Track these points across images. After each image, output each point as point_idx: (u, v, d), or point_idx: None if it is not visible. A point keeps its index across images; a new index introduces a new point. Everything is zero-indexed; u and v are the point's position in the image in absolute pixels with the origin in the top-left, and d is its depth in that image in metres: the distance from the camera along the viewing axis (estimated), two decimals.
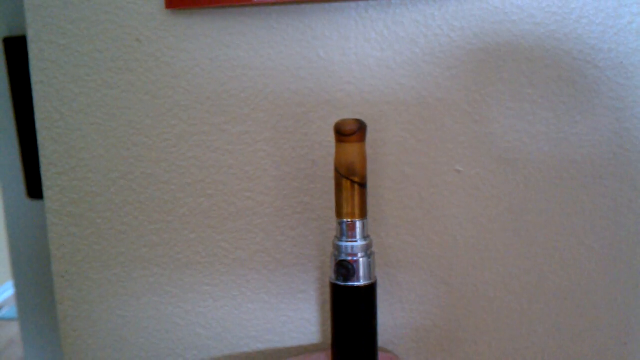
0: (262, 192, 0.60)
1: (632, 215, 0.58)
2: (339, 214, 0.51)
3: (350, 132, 0.49)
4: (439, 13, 0.55)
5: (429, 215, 0.59)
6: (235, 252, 0.61)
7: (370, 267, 0.51)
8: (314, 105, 0.58)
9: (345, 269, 0.51)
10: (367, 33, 0.56)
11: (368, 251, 0.51)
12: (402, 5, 0.55)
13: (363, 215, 0.51)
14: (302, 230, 0.60)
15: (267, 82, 0.58)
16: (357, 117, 0.58)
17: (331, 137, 0.58)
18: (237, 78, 0.58)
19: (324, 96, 0.58)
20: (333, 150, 0.59)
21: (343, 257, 0.51)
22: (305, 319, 0.62)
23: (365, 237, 0.51)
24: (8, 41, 1.52)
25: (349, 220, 0.51)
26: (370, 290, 0.52)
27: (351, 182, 0.50)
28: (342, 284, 0.51)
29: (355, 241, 0.51)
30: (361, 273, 0.51)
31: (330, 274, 0.53)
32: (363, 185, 0.50)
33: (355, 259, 0.51)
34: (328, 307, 0.61)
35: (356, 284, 0.51)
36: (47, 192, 0.61)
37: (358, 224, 0.51)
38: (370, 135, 0.58)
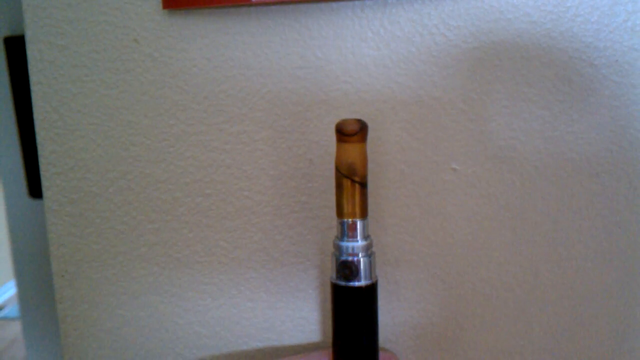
0: (260, 191, 0.60)
1: (629, 213, 0.58)
2: (340, 213, 0.51)
3: (352, 132, 0.49)
4: (435, 12, 0.55)
5: (426, 213, 0.59)
6: (234, 251, 0.62)
7: (371, 267, 0.52)
8: (311, 104, 0.58)
9: (348, 269, 0.51)
10: (363, 32, 0.57)
11: (369, 251, 0.51)
12: (398, 5, 0.56)
13: (364, 215, 0.51)
14: (300, 229, 0.61)
15: (264, 81, 0.58)
16: (354, 116, 0.58)
17: (328, 136, 0.59)
18: (235, 78, 0.58)
19: (321, 95, 0.58)
20: (330, 149, 0.59)
21: (344, 257, 0.51)
22: (303, 318, 0.62)
23: (366, 236, 0.51)
24: (9, 40, 1.52)
25: (350, 220, 0.51)
26: (371, 290, 0.52)
27: (352, 181, 0.50)
28: (344, 284, 0.51)
29: (356, 241, 0.51)
30: (362, 273, 0.51)
31: (330, 274, 0.53)
32: (364, 185, 0.50)
33: (356, 259, 0.51)
34: (327, 305, 0.62)
35: (357, 284, 0.51)
36: (46, 192, 0.62)
37: (359, 224, 0.51)
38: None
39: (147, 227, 0.62)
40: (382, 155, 0.58)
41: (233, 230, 0.61)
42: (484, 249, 0.60)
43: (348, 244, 0.51)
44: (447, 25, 0.56)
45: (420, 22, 0.56)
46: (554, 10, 0.55)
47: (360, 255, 0.51)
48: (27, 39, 0.60)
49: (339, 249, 0.51)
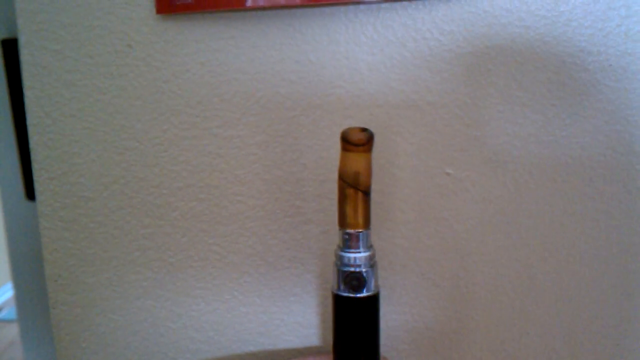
0: (253, 195, 0.60)
1: (623, 216, 0.58)
2: (342, 224, 0.50)
3: (359, 142, 0.48)
4: (428, 17, 0.55)
5: (420, 217, 0.59)
6: (228, 256, 0.61)
7: (375, 277, 0.51)
8: (304, 109, 0.58)
9: (357, 280, 0.50)
10: (357, 37, 0.57)
11: (371, 261, 0.51)
12: (392, 9, 0.56)
13: (367, 225, 0.50)
14: (294, 233, 0.61)
15: (257, 86, 0.58)
16: (348, 121, 0.58)
17: (322, 140, 0.59)
18: (228, 82, 0.58)
19: (315, 100, 0.58)
20: (323, 154, 0.59)
21: (349, 268, 0.50)
22: (298, 322, 0.62)
23: (369, 247, 0.50)
24: (6, 43, 1.52)
25: (353, 230, 0.50)
26: (375, 300, 0.51)
27: (356, 191, 0.49)
28: (351, 295, 0.50)
29: (359, 252, 0.50)
30: (367, 284, 0.50)
31: (332, 284, 0.52)
32: (367, 195, 0.49)
33: (359, 270, 0.50)
34: (321, 310, 0.62)
35: (359, 295, 0.50)
36: (39, 197, 0.62)
37: (362, 235, 0.50)
38: None
39: (141, 232, 0.61)
40: (375, 159, 0.58)
41: (227, 235, 0.61)
42: (479, 254, 0.59)
43: (350, 255, 0.50)
44: (441, 30, 0.56)
45: (414, 26, 0.56)
46: (547, 15, 0.55)
47: (362, 266, 0.50)
48: (21, 43, 0.59)
49: (341, 260, 0.50)
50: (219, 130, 0.59)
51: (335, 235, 0.60)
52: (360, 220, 0.49)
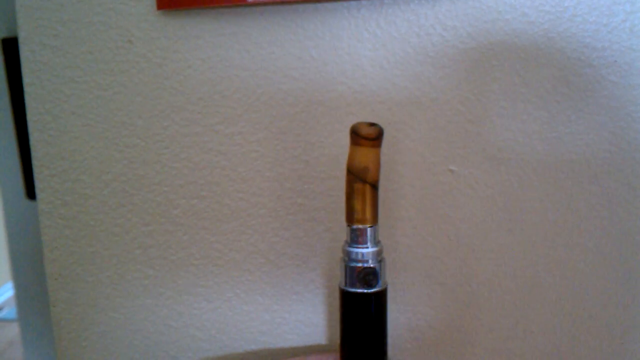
0: (255, 193, 0.60)
1: (628, 214, 0.57)
2: (350, 219, 0.50)
3: (370, 136, 0.47)
4: (431, 12, 0.55)
5: (423, 215, 0.59)
6: (229, 254, 0.61)
7: (383, 272, 0.51)
8: (306, 106, 0.58)
9: (372, 275, 0.50)
10: (359, 33, 0.56)
11: (379, 257, 0.50)
12: (395, 5, 0.55)
13: (375, 220, 0.50)
14: (296, 231, 0.60)
15: (259, 82, 0.58)
16: (351, 117, 0.58)
17: (324, 137, 0.58)
18: (230, 79, 0.58)
19: (317, 96, 0.57)
20: (326, 151, 0.58)
21: (353, 263, 0.49)
22: (299, 321, 0.62)
23: (376, 243, 0.50)
24: (6, 42, 1.51)
25: (361, 226, 0.49)
26: (384, 296, 0.51)
27: (364, 185, 0.48)
28: (363, 291, 0.50)
29: (367, 247, 0.49)
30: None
31: (340, 281, 0.51)
32: (376, 190, 0.49)
33: (366, 265, 0.49)
34: (324, 308, 0.61)
35: (367, 291, 0.50)
36: (39, 195, 0.61)
37: (369, 230, 0.49)
38: None
39: (142, 230, 0.61)
40: None
41: (228, 233, 0.61)
42: (482, 251, 0.59)
43: (358, 250, 0.49)
44: (444, 26, 0.55)
45: (417, 22, 0.55)
46: (552, 11, 0.54)
47: (371, 262, 0.49)
48: (20, 40, 0.59)
49: (349, 255, 0.50)
50: (221, 127, 0.59)
51: (338, 233, 0.60)
52: (369, 215, 0.49)
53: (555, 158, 0.57)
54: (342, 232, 0.60)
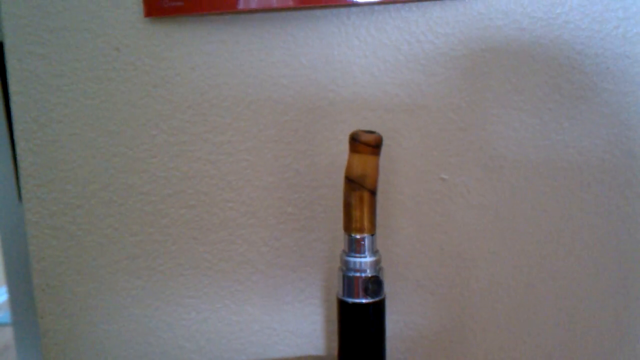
0: (244, 202, 0.59)
1: (621, 222, 0.57)
2: (348, 228, 0.49)
3: (372, 144, 0.47)
4: (422, 19, 0.54)
5: (415, 224, 0.58)
6: (218, 264, 0.60)
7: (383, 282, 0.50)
8: (296, 114, 0.57)
9: (377, 284, 0.49)
10: (349, 40, 0.55)
11: (377, 266, 0.49)
12: (385, 12, 0.54)
13: (373, 229, 0.49)
14: (286, 240, 0.59)
15: (248, 90, 0.57)
16: (340, 125, 0.57)
17: (315, 146, 0.57)
18: (218, 87, 0.57)
19: (307, 104, 0.57)
20: (316, 159, 0.58)
21: (351, 273, 0.49)
22: (289, 331, 0.61)
23: (375, 252, 0.49)
24: None
25: (359, 235, 0.48)
26: (382, 306, 0.50)
27: (362, 193, 0.48)
28: (364, 301, 0.49)
29: (365, 256, 0.49)
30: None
31: (338, 291, 0.50)
32: (374, 198, 0.48)
33: (364, 275, 0.49)
34: (314, 318, 0.60)
35: (365, 301, 0.49)
36: (26, 204, 0.60)
37: (368, 239, 0.49)
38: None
39: (130, 240, 0.60)
40: None
41: (217, 242, 0.60)
42: (474, 260, 0.58)
43: (356, 260, 0.49)
44: (435, 33, 0.55)
45: (408, 29, 0.55)
46: (544, 17, 0.54)
47: (369, 271, 0.49)
48: (6, 48, 0.58)
49: (347, 265, 0.49)
50: (209, 135, 0.58)
51: (328, 242, 0.59)
52: (367, 224, 0.48)
53: (547, 166, 0.56)
54: (332, 241, 0.59)
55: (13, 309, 1.72)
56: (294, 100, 0.57)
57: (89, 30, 0.57)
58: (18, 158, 0.60)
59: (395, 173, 0.57)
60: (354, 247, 0.49)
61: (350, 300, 0.49)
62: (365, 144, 0.47)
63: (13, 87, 0.59)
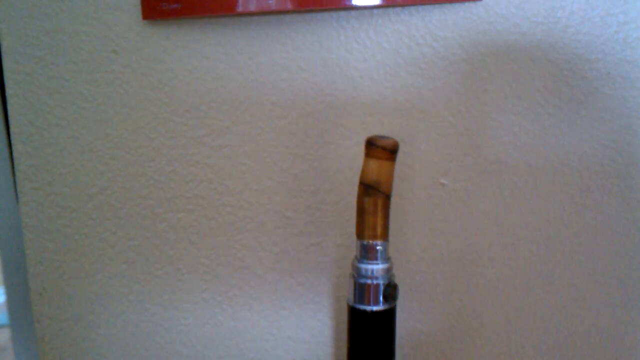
0: (243, 206, 0.59)
1: (621, 228, 0.56)
2: (361, 234, 0.48)
3: (388, 148, 0.46)
4: (421, 23, 0.54)
5: (414, 229, 0.58)
6: (216, 269, 0.60)
7: None
8: (295, 118, 0.57)
9: (396, 290, 0.48)
10: (348, 44, 0.55)
11: (389, 273, 0.49)
12: (385, 15, 0.54)
13: (386, 236, 0.48)
14: (285, 245, 0.59)
15: (247, 94, 0.57)
16: (339, 129, 0.57)
17: (314, 150, 0.57)
18: (217, 90, 0.57)
19: (305, 108, 0.56)
20: (315, 164, 0.57)
21: (363, 280, 0.48)
22: (288, 337, 0.61)
23: (387, 259, 0.49)
24: None
25: (372, 241, 0.48)
26: (393, 313, 0.50)
27: (376, 199, 0.47)
28: (374, 309, 0.48)
29: (377, 263, 0.48)
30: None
31: (348, 297, 0.50)
32: (388, 204, 0.48)
33: (376, 282, 0.48)
34: (312, 324, 0.60)
35: (375, 308, 0.48)
36: (23, 208, 0.60)
37: (381, 246, 0.48)
38: (352, 148, 0.56)
39: (127, 244, 0.60)
40: None
41: (215, 247, 0.59)
42: (473, 266, 0.58)
43: (368, 266, 0.48)
44: (435, 37, 0.54)
45: (407, 33, 0.54)
46: (544, 22, 0.53)
47: (380, 278, 0.48)
48: (3, 50, 0.58)
49: (358, 271, 0.48)
50: (207, 139, 0.58)
51: (327, 248, 0.59)
52: (380, 230, 0.48)
53: (547, 171, 0.56)
54: (331, 246, 0.59)
55: (10, 311, 1.71)
56: (292, 104, 0.57)
57: (87, 32, 0.57)
58: (15, 161, 0.59)
59: (394, 178, 0.57)
60: (367, 253, 0.48)
61: (362, 307, 0.48)
62: (383, 149, 0.46)
63: (10, 90, 0.58)
